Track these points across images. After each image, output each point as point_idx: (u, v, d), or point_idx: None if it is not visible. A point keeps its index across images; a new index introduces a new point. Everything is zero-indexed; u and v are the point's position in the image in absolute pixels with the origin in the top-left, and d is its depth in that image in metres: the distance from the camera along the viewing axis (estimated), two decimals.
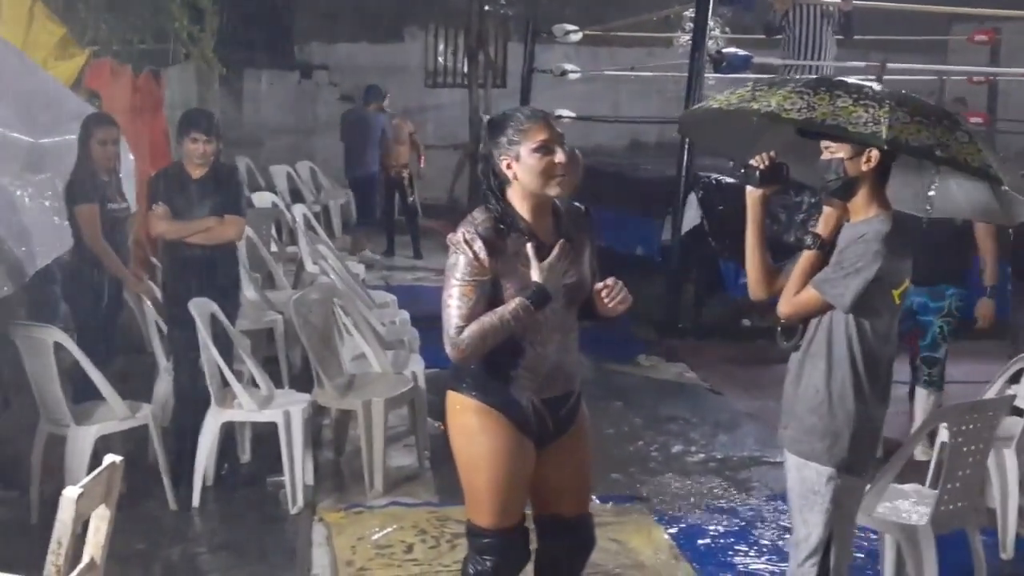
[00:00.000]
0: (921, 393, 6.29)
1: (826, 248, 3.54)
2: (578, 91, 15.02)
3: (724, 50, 9.87)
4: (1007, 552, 5.07)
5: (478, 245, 3.35)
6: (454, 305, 3.36)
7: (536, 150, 3.38)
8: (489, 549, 3.56)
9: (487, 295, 3.38)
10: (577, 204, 3.66)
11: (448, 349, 3.40)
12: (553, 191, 3.42)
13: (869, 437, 3.57)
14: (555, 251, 3.38)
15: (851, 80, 3.60)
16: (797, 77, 3.96)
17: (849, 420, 3.50)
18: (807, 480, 3.56)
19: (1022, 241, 6.62)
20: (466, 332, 3.35)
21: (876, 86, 3.51)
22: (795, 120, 3.38)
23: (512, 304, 3.36)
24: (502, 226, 3.41)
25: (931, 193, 3.80)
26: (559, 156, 3.39)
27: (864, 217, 3.49)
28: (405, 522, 5.34)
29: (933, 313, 6.19)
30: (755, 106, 3.49)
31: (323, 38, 17.18)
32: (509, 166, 3.41)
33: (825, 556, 3.56)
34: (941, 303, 6.18)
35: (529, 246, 3.37)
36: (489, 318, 3.35)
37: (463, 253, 3.36)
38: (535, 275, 3.36)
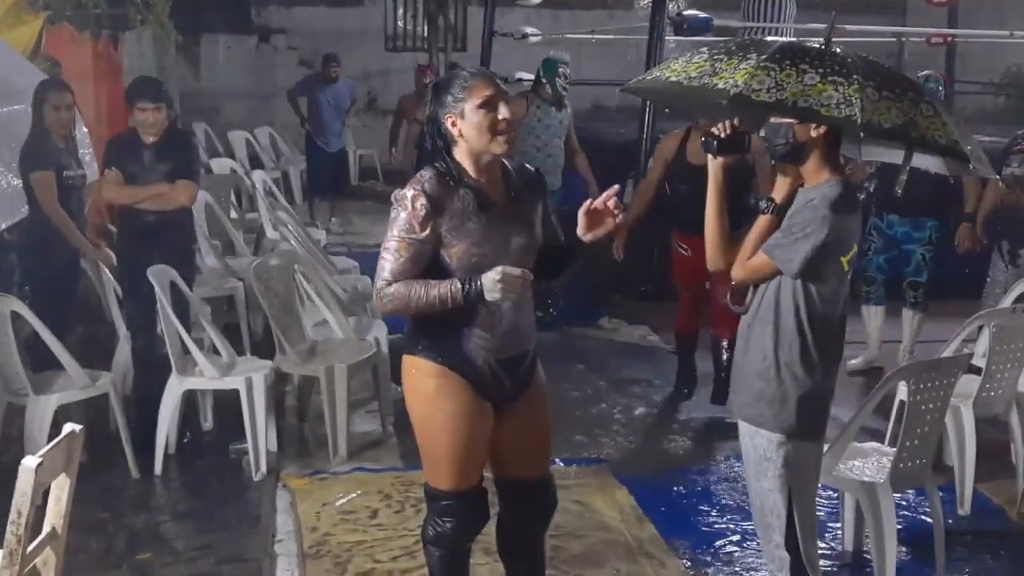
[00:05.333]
0: (907, 314, 7.25)
1: (781, 213, 3.52)
2: (539, 54, 14.85)
3: (684, 12, 9.88)
4: (964, 508, 5.15)
5: (420, 203, 3.36)
6: (388, 259, 3.41)
7: (481, 106, 3.38)
8: (448, 511, 3.58)
9: (423, 254, 3.39)
10: (528, 166, 3.67)
11: (375, 299, 3.48)
12: (498, 148, 3.40)
13: (818, 402, 3.55)
14: (514, 271, 3.30)
15: (812, 46, 3.50)
16: (755, 39, 3.83)
17: (796, 385, 3.48)
18: (758, 447, 3.56)
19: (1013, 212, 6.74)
20: (391, 288, 3.40)
21: (839, 52, 3.42)
22: (765, 102, 3.26)
23: (445, 287, 3.35)
24: (451, 182, 3.41)
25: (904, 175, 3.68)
26: (503, 112, 3.38)
27: (816, 183, 3.46)
28: (369, 487, 5.34)
29: (915, 242, 7.05)
30: (720, 84, 3.35)
31: (281, 1, 16.98)
32: (454, 124, 3.42)
33: (791, 525, 3.55)
34: (922, 233, 7.03)
35: (520, 271, 3.30)
36: (419, 288, 3.37)
37: (404, 210, 3.38)
38: (487, 280, 3.30)
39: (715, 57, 3.49)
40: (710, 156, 3.56)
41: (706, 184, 3.62)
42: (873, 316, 7.36)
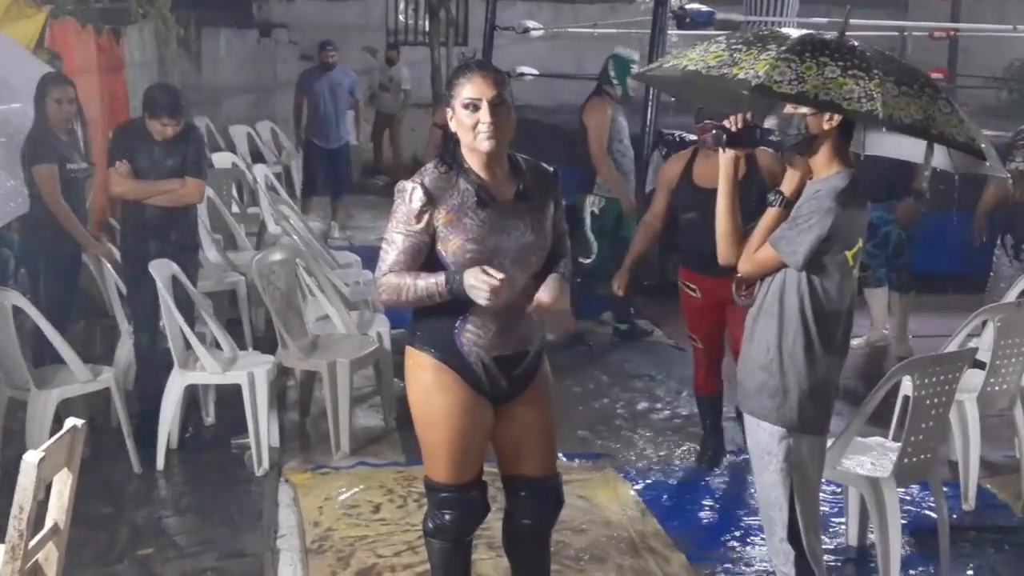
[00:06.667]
0: (893, 296, 7.36)
1: (790, 206, 3.51)
2: (540, 48, 14.93)
3: (687, 6, 9.83)
4: (969, 503, 5.13)
5: (417, 196, 3.37)
6: (387, 250, 3.43)
7: (465, 106, 3.37)
8: (447, 503, 3.58)
9: (420, 247, 3.40)
10: (545, 165, 3.64)
11: (374, 289, 3.51)
12: (483, 147, 3.38)
13: (821, 395, 3.54)
14: (495, 275, 3.25)
15: (828, 37, 3.49)
16: (774, 31, 3.79)
17: (799, 378, 3.48)
18: (761, 441, 3.55)
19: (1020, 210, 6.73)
20: (385, 279, 3.41)
21: (857, 46, 3.42)
22: (787, 94, 3.26)
23: (432, 280, 3.35)
24: (453, 177, 3.41)
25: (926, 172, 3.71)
26: (484, 114, 3.35)
27: (825, 175, 3.45)
28: (372, 482, 5.33)
29: (890, 224, 7.06)
30: (741, 75, 3.34)
31: None
32: (451, 118, 3.43)
33: (793, 519, 3.53)
34: (893, 215, 7.04)
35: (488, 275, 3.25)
36: (410, 279, 3.38)
37: (403, 202, 3.40)
38: (466, 277, 3.27)
39: (733, 47, 3.48)
40: (720, 149, 3.55)
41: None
42: (896, 303, 7.40)
